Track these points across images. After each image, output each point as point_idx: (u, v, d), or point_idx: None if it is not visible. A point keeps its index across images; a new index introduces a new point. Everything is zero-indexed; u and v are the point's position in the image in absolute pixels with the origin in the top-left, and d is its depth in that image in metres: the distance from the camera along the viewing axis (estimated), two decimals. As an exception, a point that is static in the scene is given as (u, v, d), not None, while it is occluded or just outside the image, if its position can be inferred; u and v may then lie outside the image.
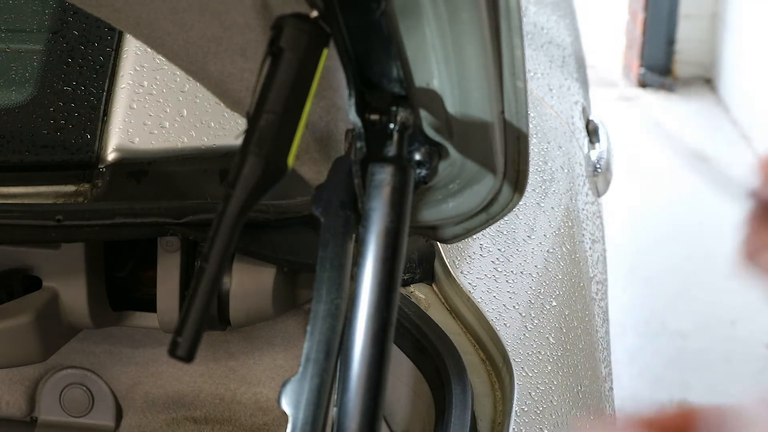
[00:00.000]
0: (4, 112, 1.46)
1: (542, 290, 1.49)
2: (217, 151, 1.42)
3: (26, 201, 1.42)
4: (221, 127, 1.43)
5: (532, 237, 1.58)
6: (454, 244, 1.39)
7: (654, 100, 5.24)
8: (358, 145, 1.04)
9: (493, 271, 1.44)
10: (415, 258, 1.37)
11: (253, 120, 0.94)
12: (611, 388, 1.75)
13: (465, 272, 1.39)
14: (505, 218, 1.16)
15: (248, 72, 1.08)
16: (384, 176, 1.03)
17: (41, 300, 1.46)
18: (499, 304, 1.38)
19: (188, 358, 0.59)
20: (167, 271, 1.44)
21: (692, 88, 5.30)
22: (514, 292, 1.43)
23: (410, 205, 1.04)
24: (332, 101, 1.10)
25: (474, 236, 1.30)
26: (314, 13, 0.95)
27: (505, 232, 1.52)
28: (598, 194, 2.09)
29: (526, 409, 1.26)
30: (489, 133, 1.02)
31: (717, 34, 5.23)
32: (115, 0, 1.07)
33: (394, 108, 1.04)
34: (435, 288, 1.38)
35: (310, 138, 1.14)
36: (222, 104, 1.16)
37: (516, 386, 1.25)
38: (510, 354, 1.29)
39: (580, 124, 2.11)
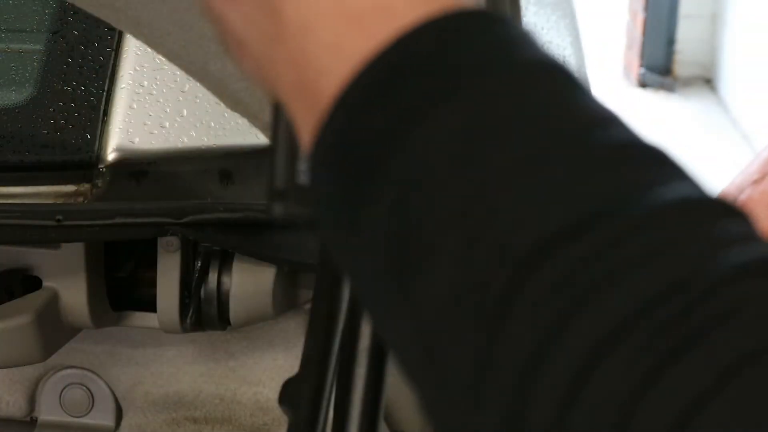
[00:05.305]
0: (4, 112, 1.46)
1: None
2: (217, 151, 1.42)
3: (26, 201, 1.42)
4: (221, 127, 1.43)
5: (532, 237, 1.58)
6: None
7: (654, 100, 5.25)
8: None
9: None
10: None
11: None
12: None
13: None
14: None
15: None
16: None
17: (41, 300, 1.47)
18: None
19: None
20: (167, 271, 1.44)
21: (692, 88, 5.30)
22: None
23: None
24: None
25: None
26: None
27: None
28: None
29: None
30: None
31: (717, 34, 5.23)
32: (115, 0, 1.07)
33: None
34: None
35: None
36: (222, 104, 1.15)
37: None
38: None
39: (580, 124, 2.11)
